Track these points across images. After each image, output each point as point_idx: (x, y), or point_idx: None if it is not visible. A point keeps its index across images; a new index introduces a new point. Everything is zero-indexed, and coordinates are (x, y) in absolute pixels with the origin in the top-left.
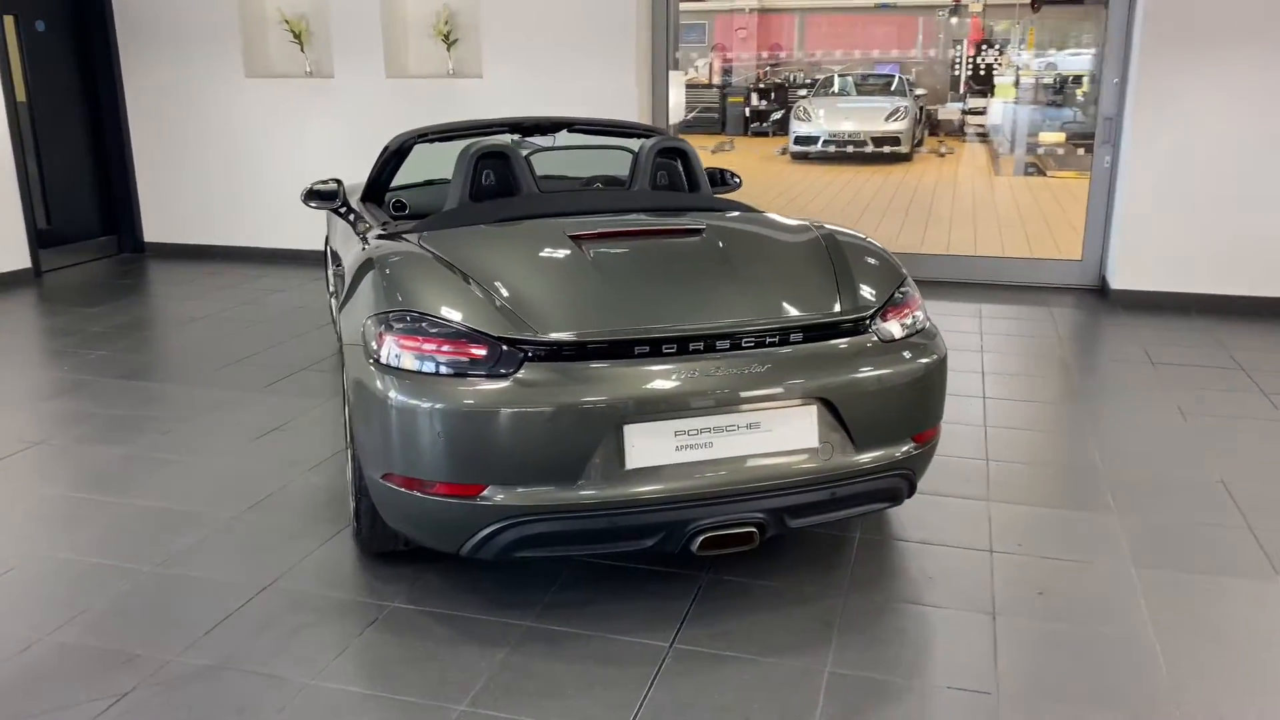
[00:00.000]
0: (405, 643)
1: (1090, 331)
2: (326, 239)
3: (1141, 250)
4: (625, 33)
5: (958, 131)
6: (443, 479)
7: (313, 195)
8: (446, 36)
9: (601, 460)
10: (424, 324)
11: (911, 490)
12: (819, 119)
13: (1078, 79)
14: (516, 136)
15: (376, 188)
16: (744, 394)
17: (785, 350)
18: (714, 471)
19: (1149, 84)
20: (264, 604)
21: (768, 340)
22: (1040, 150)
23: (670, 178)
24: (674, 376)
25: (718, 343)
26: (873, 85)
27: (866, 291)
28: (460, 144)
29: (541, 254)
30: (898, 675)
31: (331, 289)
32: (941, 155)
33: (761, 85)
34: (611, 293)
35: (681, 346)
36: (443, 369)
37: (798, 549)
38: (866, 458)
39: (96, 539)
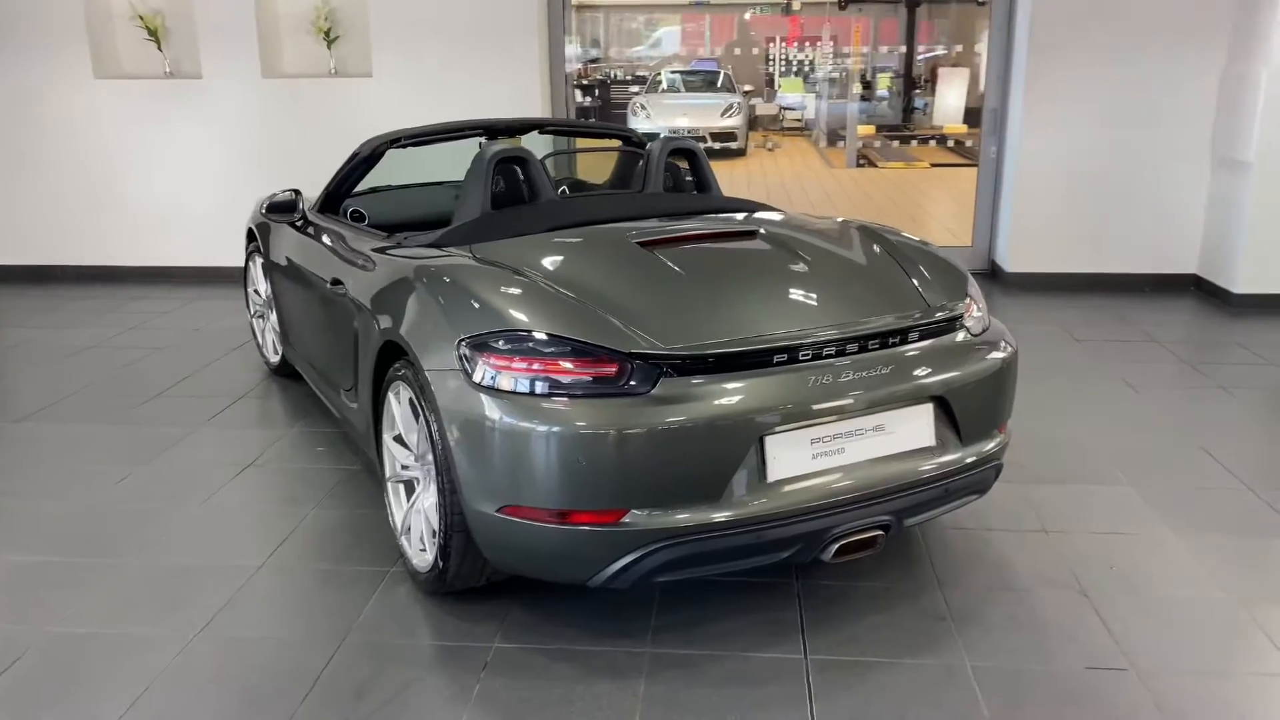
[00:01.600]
0: (532, 686)
1: (1001, 313)
2: (252, 255)
3: (1031, 234)
4: (528, 30)
5: (778, 127)
6: (581, 507)
7: (276, 209)
8: (327, 34)
9: (744, 474)
10: (542, 344)
11: (995, 480)
12: (655, 116)
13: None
14: (484, 140)
15: (336, 197)
16: (874, 397)
17: (906, 351)
18: (848, 477)
19: (1036, 77)
20: (349, 662)
21: (890, 341)
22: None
23: (676, 179)
24: (810, 383)
25: (847, 346)
26: (699, 82)
27: (947, 288)
28: (406, 150)
29: (624, 264)
30: (1033, 662)
31: (258, 309)
32: (770, 150)
33: (584, 81)
34: (721, 301)
35: (812, 353)
36: (572, 391)
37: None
38: (971, 452)
39: (98, 608)
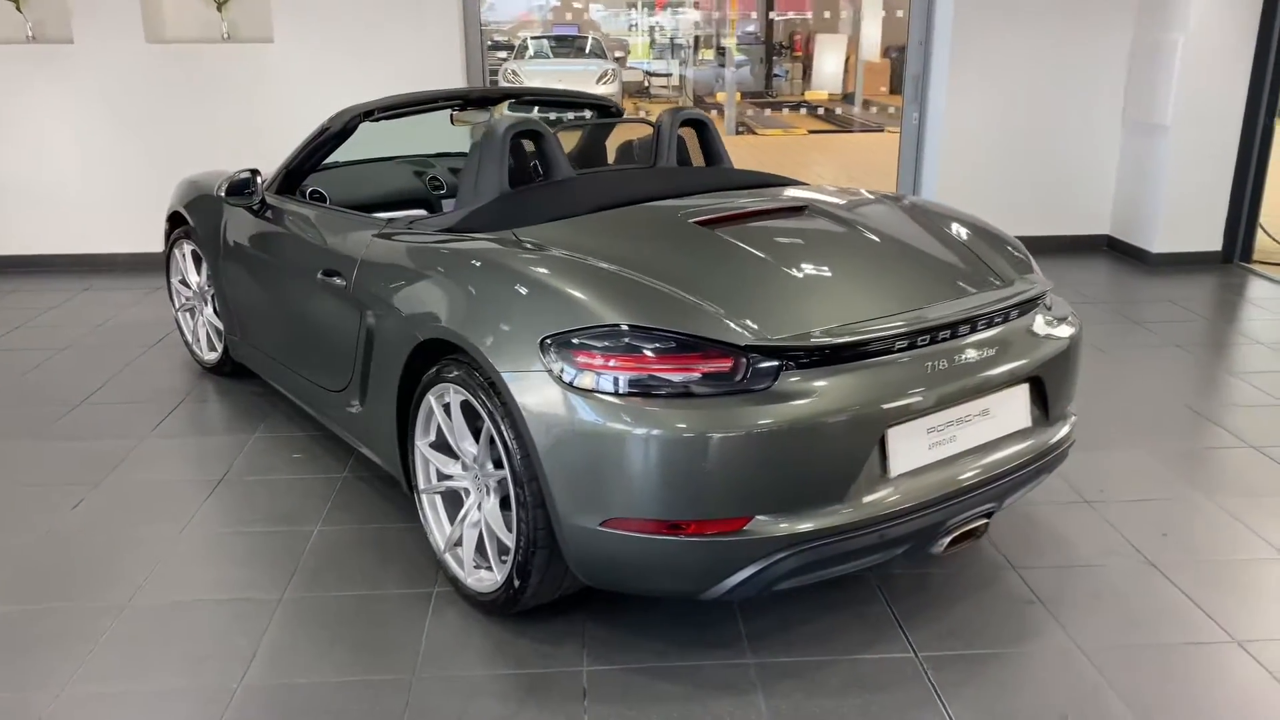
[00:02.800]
0: (645, 711)
1: None
2: (178, 242)
3: (953, 199)
4: None
5: (645, 94)
6: (701, 516)
7: (235, 190)
8: None
9: (868, 471)
10: (645, 339)
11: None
12: (530, 83)
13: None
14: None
15: (298, 175)
16: (984, 380)
17: (1007, 330)
18: (962, 465)
19: (961, 46)
20: (431, 703)
21: (995, 321)
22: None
23: (683, 152)
24: (929, 370)
25: (960, 328)
26: (569, 48)
27: (1016, 263)
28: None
29: (697, 247)
30: (1136, 637)
31: (188, 302)
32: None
33: None
34: (815, 285)
35: (924, 338)
36: (684, 391)
37: None
38: (1057, 430)
39: (109, 663)
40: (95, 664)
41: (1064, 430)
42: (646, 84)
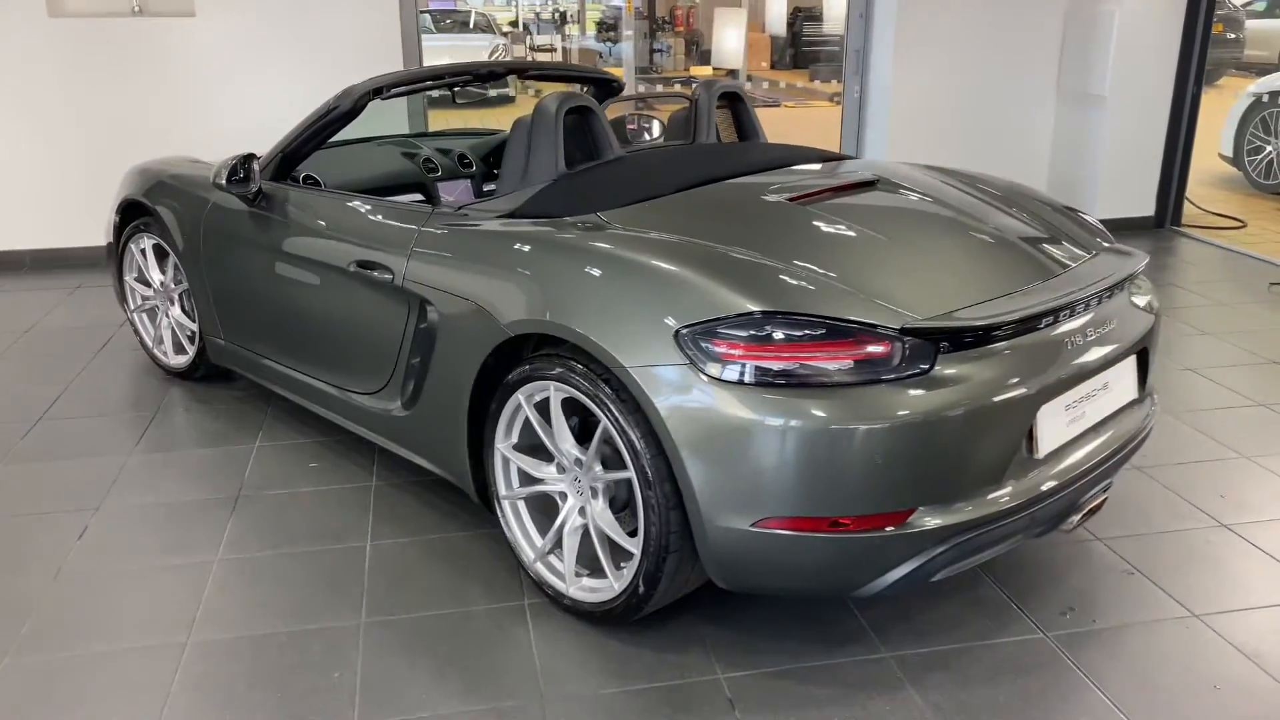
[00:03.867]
0: (800, 716)
1: None
2: (134, 236)
3: None
4: None
5: None
6: (864, 511)
7: (236, 179)
8: None
9: (1020, 453)
10: (793, 326)
11: None
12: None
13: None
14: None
15: (295, 160)
16: (1109, 354)
17: (1121, 303)
18: (1092, 440)
19: (906, 18)
20: None
21: (1114, 293)
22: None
23: (726, 126)
24: (1069, 346)
25: (1090, 302)
26: (453, 23)
27: (1096, 233)
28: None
29: (804, 227)
30: (1252, 602)
31: (147, 302)
32: (535, 96)
33: None
34: (942, 263)
35: (1064, 312)
36: (840, 379)
37: None
38: (1150, 400)
39: (196, 717)
40: (174, 716)
41: (1154, 400)
42: (531, 59)
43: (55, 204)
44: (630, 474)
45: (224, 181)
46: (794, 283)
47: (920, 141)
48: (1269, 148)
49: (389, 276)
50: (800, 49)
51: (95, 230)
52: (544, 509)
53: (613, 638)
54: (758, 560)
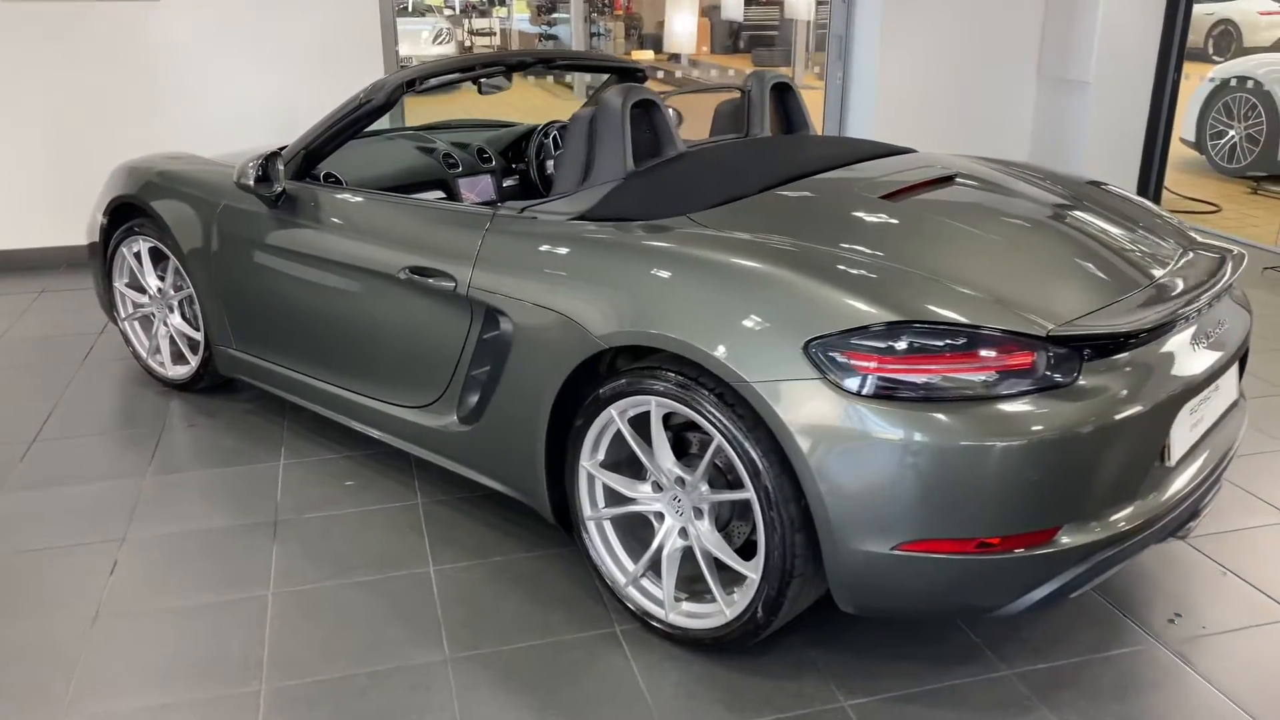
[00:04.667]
0: None
1: None
2: (124, 239)
3: None
4: None
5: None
6: (1011, 530)
7: (262, 179)
8: None
9: (1156, 462)
10: (934, 337)
11: None
12: None
13: None
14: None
15: (318, 157)
16: (1227, 355)
17: (1230, 303)
18: (1209, 444)
19: (892, 4)
20: None
21: (1224, 294)
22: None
23: (781, 119)
24: (1194, 349)
25: (1212, 303)
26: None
27: (1180, 231)
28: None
29: (913, 227)
30: None
31: (141, 310)
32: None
33: None
34: (1062, 264)
35: (1192, 314)
36: (986, 391)
37: None
38: (1244, 400)
39: None
40: None
41: (1244, 398)
42: (469, 43)
43: (10, 201)
44: (747, 495)
45: (251, 183)
46: (926, 289)
47: (904, 127)
48: (1231, 132)
49: (450, 284)
50: (741, 33)
51: (56, 230)
52: (629, 528)
53: (719, 665)
54: (896, 584)
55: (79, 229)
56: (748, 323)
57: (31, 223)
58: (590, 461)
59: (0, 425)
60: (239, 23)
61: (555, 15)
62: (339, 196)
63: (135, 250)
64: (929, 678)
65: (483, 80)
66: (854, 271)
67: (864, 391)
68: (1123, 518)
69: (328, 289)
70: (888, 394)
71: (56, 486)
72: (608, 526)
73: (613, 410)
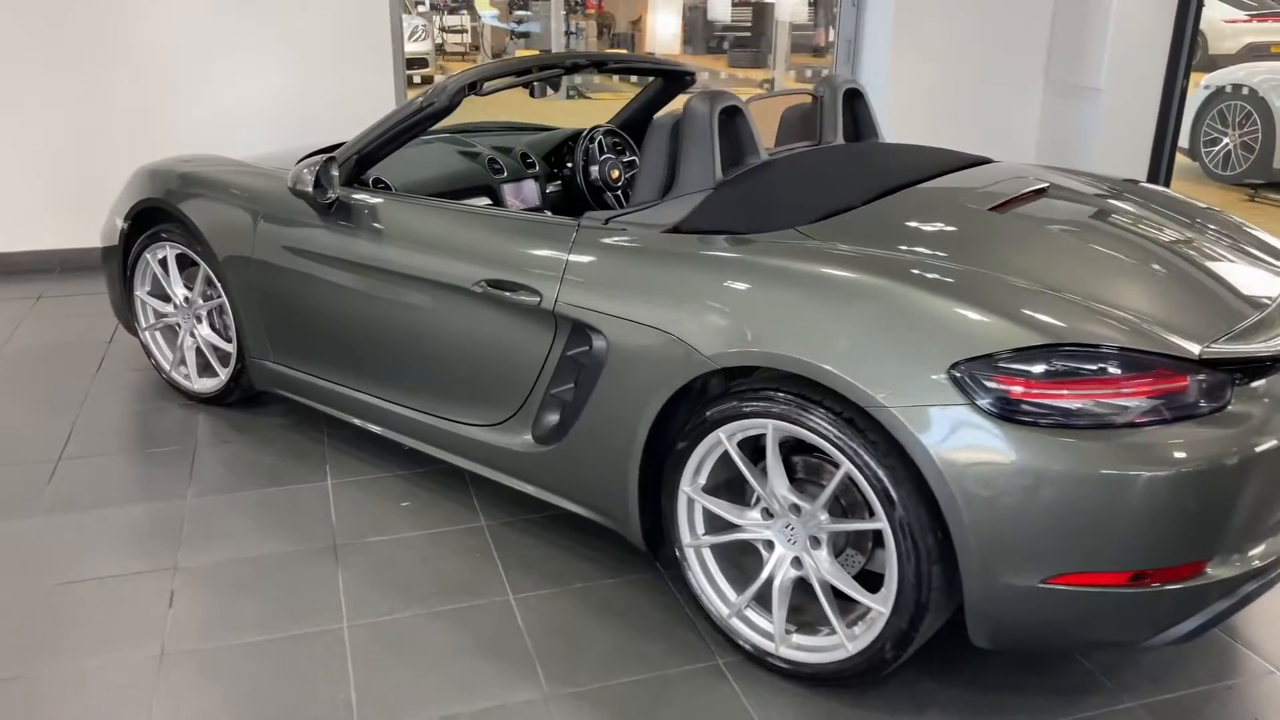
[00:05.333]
0: None
1: None
2: (147, 246)
3: None
4: None
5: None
6: (1164, 562)
7: (320, 183)
8: None
9: None
10: (1085, 360)
11: None
12: None
13: None
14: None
15: (370, 162)
16: None
17: None
18: None
19: (903, 8)
20: None
21: None
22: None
23: (850, 125)
24: None
25: None
26: None
27: (1268, 243)
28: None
29: (1036, 243)
30: None
31: (167, 319)
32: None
33: None
34: (1188, 282)
35: None
36: (1139, 416)
37: None
38: None
39: None
40: None
41: None
42: (441, 40)
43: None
44: (878, 525)
45: (310, 189)
46: (1071, 310)
47: (912, 131)
48: (1225, 139)
49: (534, 299)
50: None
51: (49, 232)
52: (728, 554)
53: (834, 699)
54: (1041, 618)
55: (74, 230)
56: (885, 344)
57: (22, 225)
58: (691, 486)
59: (20, 443)
60: (241, 20)
61: (523, 13)
62: (401, 204)
63: (160, 257)
64: (1055, 710)
65: (535, 83)
66: (997, 291)
67: (1013, 417)
68: (1267, 549)
69: (386, 301)
70: (1038, 420)
71: (92, 510)
72: (707, 554)
73: (721, 433)
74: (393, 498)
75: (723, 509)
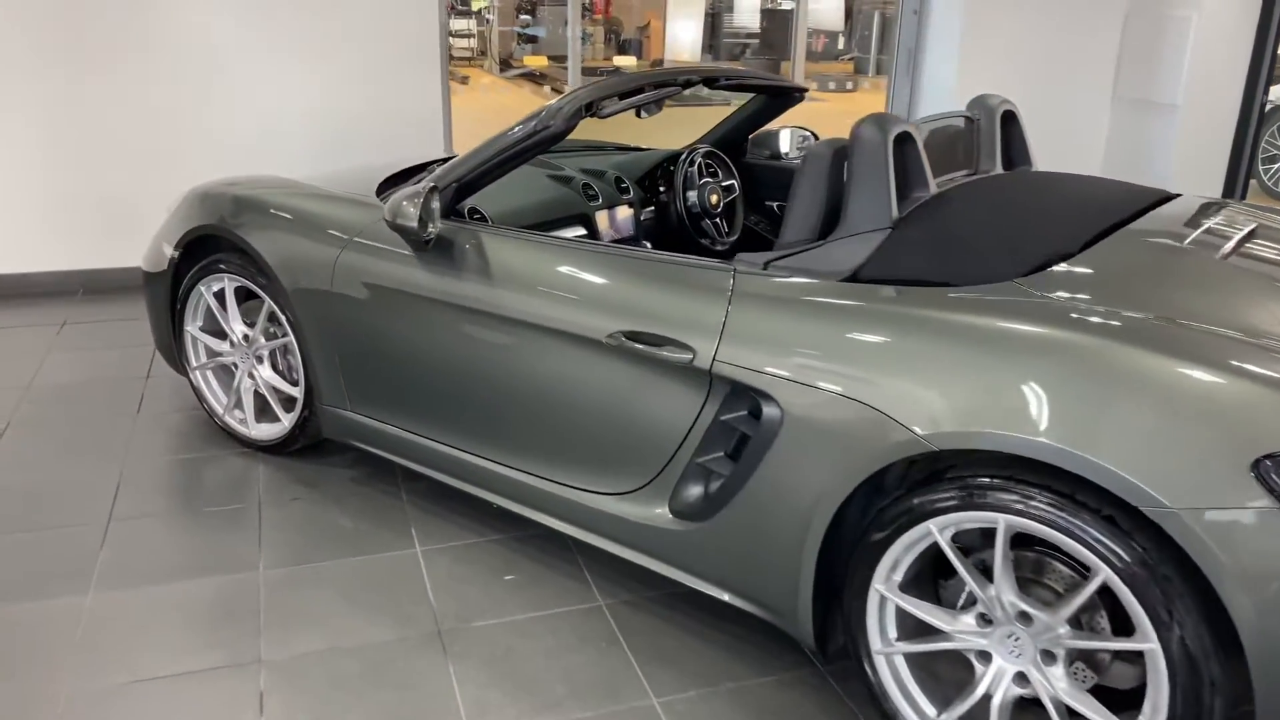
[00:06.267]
0: None
1: None
2: (201, 277)
3: None
4: None
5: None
6: None
7: (425, 215)
8: None
9: None
10: None
11: None
12: None
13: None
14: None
15: (469, 190)
16: None
17: None
18: None
19: (972, 19)
20: None
21: None
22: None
23: (1012, 151)
24: None
25: None
26: None
27: None
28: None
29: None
30: None
31: (225, 358)
32: (463, 83)
33: None
34: None
35: None
36: None
37: None
38: None
39: None
40: None
41: None
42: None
43: (17, 220)
44: (1148, 645)
45: (414, 225)
46: None
47: None
48: None
49: (685, 356)
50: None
51: (69, 252)
52: (922, 660)
53: None
54: None
55: (97, 250)
56: (1169, 433)
57: (42, 243)
58: (886, 584)
59: (63, 501)
60: (275, 22)
61: (526, 18)
62: (513, 241)
63: (217, 290)
64: None
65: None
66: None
67: None
68: None
69: (494, 349)
70: None
71: (153, 585)
72: (900, 661)
73: (932, 525)
74: (493, 569)
75: (927, 613)
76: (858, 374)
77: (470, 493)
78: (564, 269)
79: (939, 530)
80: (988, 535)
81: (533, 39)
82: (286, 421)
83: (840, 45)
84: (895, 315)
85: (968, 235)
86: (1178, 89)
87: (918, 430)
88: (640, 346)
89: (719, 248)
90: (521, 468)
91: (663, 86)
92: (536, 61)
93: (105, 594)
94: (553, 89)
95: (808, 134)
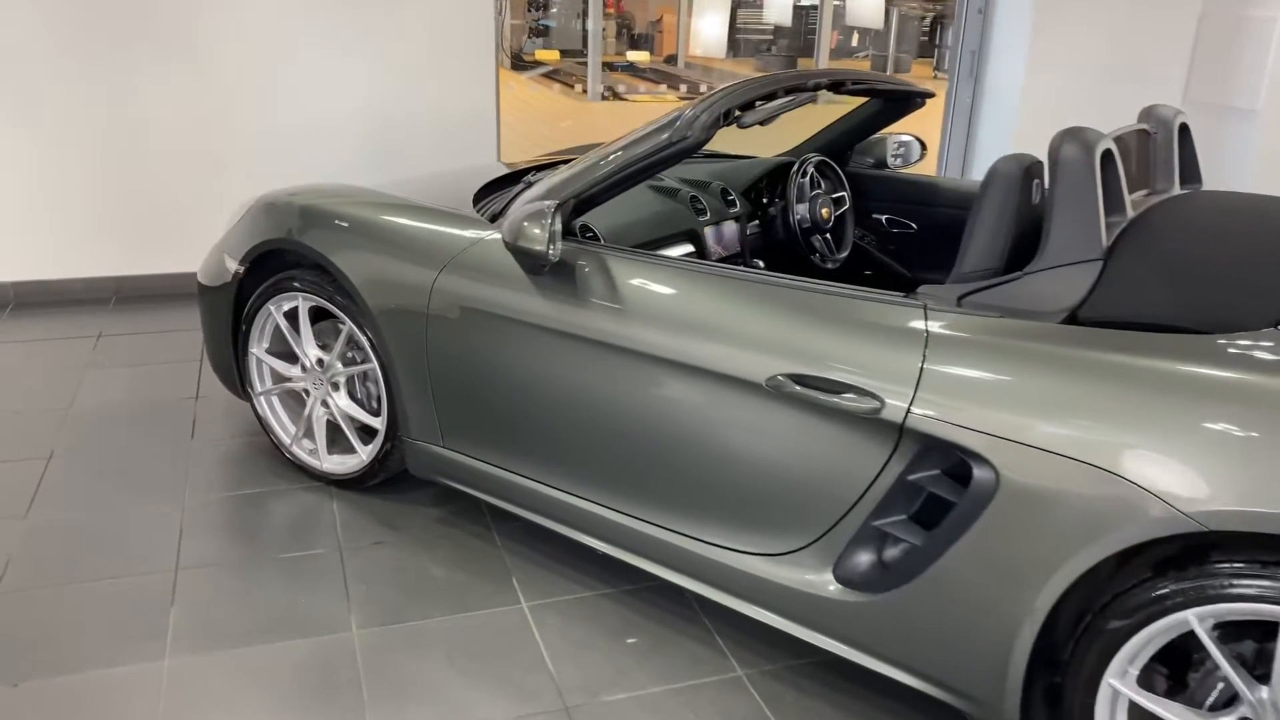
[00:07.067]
0: None
1: None
2: (270, 295)
3: None
4: None
5: None
6: None
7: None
8: None
9: None
10: None
11: None
12: None
13: None
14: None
15: (589, 206)
16: None
17: None
18: None
19: (1043, 21)
20: None
21: None
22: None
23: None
24: None
25: None
26: None
27: None
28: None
29: None
30: None
31: (295, 383)
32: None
33: None
34: None
35: None
36: None
37: None
38: None
39: None
40: None
41: None
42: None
43: (48, 224)
44: None
45: (542, 247)
46: None
47: (1040, 148)
48: None
49: (871, 406)
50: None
51: (102, 257)
52: None
53: None
54: None
55: (130, 255)
56: None
57: (73, 248)
58: (1122, 679)
59: (124, 542)
60: (320, 16)
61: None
62: (649, 266)
63: (288, 309)
64: None
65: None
66: None
67: None
68: None
69: (625, 387)
70: None
71: (235, 648)
72: None
73: (1191, 615)
74: (610, 630)
75: (1176, 715)
76: (1100, 437)
77: (583, 541)
78: (708, 300)
79: (1198, 621)
80: (1241, 625)
81: (543, 32)
82: (364, 454)
83: (855, 42)
84: (1148, 370)
85: (1203, 271)
86: (1258, 94)
87: (1179, 506)
88: (810, 392)
89: (829, 265)
90: (650, 519)
91: (793, 92)
92: (548, 56)
93: (183, 659)
94: (562, 85)
95: (909, 139)
